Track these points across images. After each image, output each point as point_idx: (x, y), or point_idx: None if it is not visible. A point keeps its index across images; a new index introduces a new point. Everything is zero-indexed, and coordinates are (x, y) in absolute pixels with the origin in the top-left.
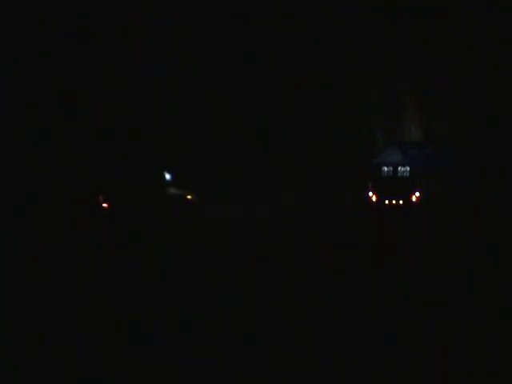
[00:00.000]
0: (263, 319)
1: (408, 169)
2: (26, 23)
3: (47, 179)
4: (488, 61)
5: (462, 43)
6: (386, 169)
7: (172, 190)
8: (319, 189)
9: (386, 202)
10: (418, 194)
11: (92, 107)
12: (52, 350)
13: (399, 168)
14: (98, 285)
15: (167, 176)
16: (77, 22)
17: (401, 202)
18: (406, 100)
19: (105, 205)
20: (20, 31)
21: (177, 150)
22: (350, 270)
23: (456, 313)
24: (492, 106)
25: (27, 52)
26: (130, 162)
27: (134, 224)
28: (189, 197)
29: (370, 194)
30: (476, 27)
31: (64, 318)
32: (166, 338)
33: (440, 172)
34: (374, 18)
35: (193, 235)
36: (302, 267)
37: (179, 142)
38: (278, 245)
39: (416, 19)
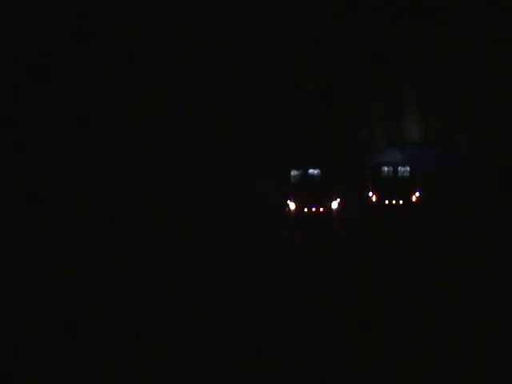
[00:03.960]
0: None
1: (408, 169)
2: (26, 23)
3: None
4: (488, 61)
5: (462, 43)
6: (386, 169)
7: None
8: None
9: (386, 202)
10: (417, 194)
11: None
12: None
13: (399, 168)
14: None
15: None
16: (77, 22)
17: (401, 202)
18: (406, 100)
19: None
20: (20, 31)
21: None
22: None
23: (455, 313)
24: (492, 106)
25: (27, 52)
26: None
27: None
28: None
29: (370, 194)
30: (476, 27)
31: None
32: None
33: (440, 172)
34: (374, 18)
35: None
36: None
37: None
38: (279, 244)
39: (416, 19)
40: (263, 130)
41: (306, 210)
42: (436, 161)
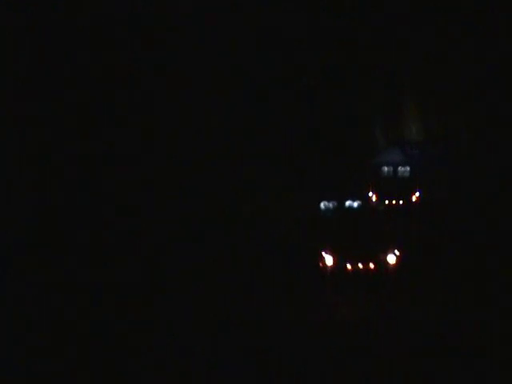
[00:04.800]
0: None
1: (408, 169)
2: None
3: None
4: (488, 61)
5: (462, 42)
6: (386, 169)
7: None
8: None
9: (386, 202)
10: (417, 194)
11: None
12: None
13: (399, 168)
14: None
15: None
16: (76, 20)
17: (401, 202)
18: (406, 99)
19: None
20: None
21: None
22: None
23: (455, 313)
24: (492, 106)
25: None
26: None
27: None
28: None
29: (370, 194)
30: (476, 27)
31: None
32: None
33: (440, 172)
34: (374, 18)
35: None
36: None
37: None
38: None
39: (416, 19)
40: (262, 128)
41: (349, 266)
42: (436, 161)
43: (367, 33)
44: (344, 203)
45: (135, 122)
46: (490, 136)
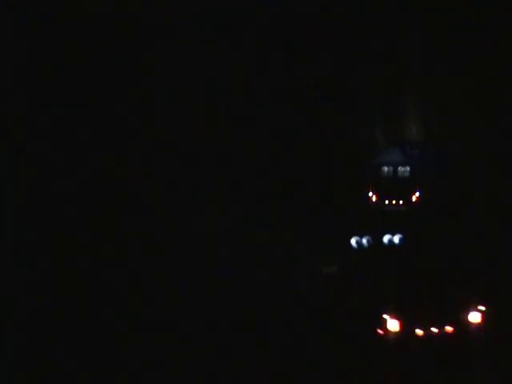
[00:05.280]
0: None
1: (408, 169)
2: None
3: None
4: (489, 60)
5: (463, 43)
6: (386, 169)
7: None
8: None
9: (386, 202)
10: (417, 194)
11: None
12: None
13: (399, 168)
14: None
15: None
16: (76, 21)
17: (401, 202)
18: (406, 99)
19: None
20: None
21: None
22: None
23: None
24: (492, 106)
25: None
26: None
27: None
28: None
29: (370, 194)
30: (477, 27)
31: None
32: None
33: (440, 172)
34: (374, 18)
35: None
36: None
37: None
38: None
39: (416, 19)
40: (262, 132)
41: (419, 332)
42: (436, 161)
43: (367, 33)
44: (381, 237)
45: (134, 122)
46: (490, 136)
